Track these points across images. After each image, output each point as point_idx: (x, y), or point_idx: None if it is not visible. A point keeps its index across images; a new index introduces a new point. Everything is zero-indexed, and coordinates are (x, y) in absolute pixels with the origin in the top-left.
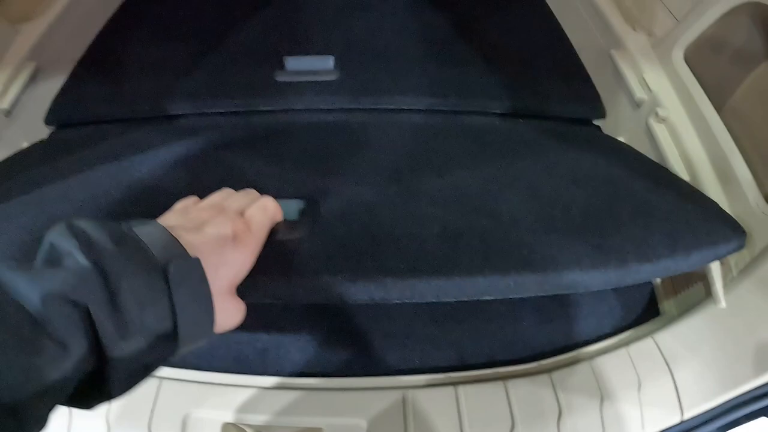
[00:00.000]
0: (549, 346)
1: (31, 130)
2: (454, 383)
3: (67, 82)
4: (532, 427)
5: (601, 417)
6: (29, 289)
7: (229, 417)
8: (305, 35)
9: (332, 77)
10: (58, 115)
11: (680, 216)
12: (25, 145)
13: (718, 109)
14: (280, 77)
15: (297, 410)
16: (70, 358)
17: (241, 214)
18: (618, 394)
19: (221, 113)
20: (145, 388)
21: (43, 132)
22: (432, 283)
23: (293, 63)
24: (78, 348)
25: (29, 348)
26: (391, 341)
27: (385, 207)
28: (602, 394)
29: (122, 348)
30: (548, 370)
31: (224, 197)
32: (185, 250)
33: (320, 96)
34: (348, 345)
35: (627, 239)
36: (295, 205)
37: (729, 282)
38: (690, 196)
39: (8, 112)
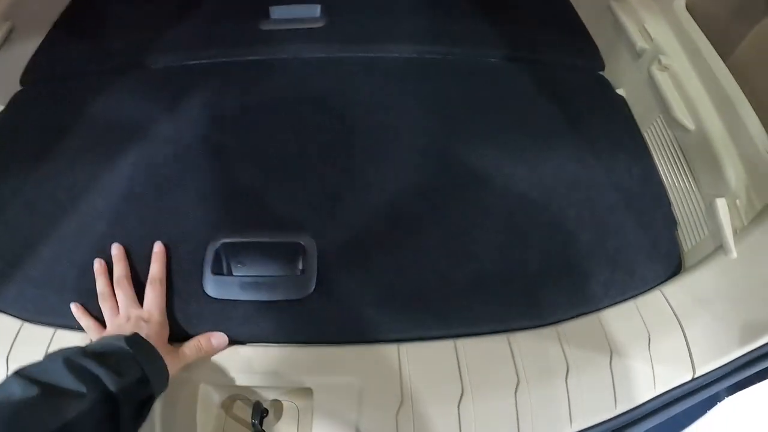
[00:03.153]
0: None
1: (7, 90)
2: (453, 336)
3: (44, 41)
4: (539, 384)
5: (611, 374)
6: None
7: (208, 378)
8: None
9: (319, 25)
10: (34, 74)
11: (626, 256)
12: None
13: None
14: (265, 26)
15: (283, 369)
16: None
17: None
18: (627, 350)
19: (203, 63)
20: None
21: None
22: None
23: (279, 12)
24: (92, 392)
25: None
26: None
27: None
28: (611, 350)
29: (119, 382)
30: (554, 323)
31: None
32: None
33: (307, 44)
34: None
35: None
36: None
37: (739, 231)
38: (651, 214)
39: None
